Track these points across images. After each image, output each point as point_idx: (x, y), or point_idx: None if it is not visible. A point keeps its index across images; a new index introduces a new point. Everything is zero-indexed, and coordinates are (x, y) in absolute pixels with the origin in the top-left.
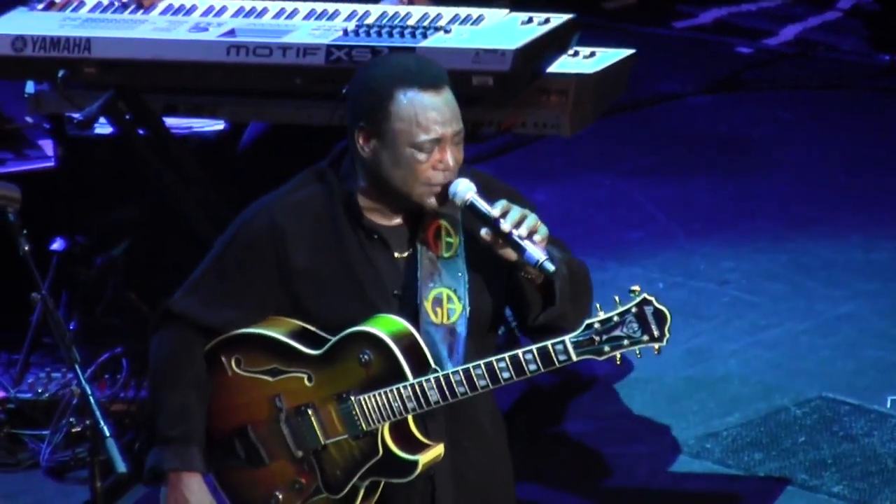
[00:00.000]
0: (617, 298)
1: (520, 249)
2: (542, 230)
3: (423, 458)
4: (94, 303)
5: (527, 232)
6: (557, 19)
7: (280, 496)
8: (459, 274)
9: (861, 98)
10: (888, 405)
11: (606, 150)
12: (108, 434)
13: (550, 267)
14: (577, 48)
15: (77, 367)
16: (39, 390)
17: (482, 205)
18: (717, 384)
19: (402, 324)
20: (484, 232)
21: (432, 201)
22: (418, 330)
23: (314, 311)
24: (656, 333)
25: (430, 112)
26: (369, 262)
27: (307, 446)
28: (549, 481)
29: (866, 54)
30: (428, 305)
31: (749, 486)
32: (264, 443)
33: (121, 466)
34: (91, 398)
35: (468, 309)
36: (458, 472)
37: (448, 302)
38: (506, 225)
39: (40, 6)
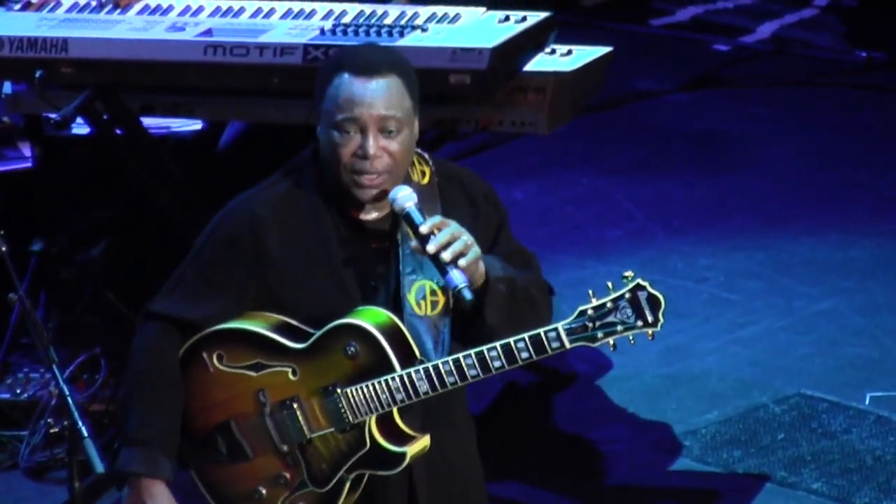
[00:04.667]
0: (610, 284)
1: (442, 271)
2: (471, 254)
3: (411, 450)
4: (72, 303)
5: (450, 257)
6: (534, 17)
7: (263, 491)
8: None
9: (838, 95)
10: (867, 402)
11: (584, 147)
12: (86, 434)
13: (468, 295)
14: (555, 46)
15: (55, 367)
16: (18, 391)
17: (416, 217)
18: (695, 382)
19: (387, 315)
20: (413, 244)
21: (361, 193)
22: (402, 322)
23: (293, 303)
24: (650, 318)
25: (352, 94)
26: (348, 252)
27: (292, 440)
28: (527, 479)
29: (843, 51)
30: (411, 297)
31: (728, 483)
32: (248, 438)
33: (99, 467)
34: (69, 399)
35: (451, 301)
36: (433, 461)
37: (431, 294)
38: (431, 246)
39: (17, 6)
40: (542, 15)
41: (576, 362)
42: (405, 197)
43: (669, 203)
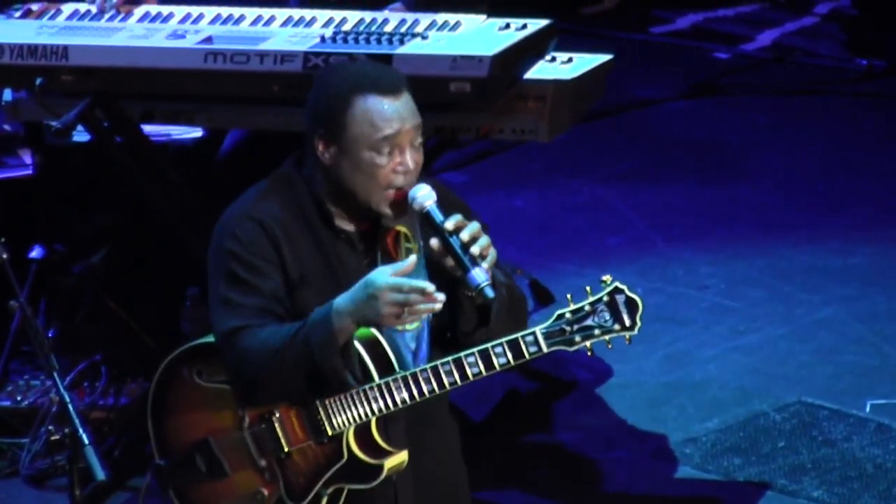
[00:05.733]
0: (588, 288)
1: (464, 268)
2: (492, 254)
3: (388, 463)
4: (72, 310)
5: (478, 252)
6: (535, 25)
7: None
8: (421, 278)
9: (838, 103)
10: (867, 410)
11: (584, 155)
12: (87, 442)
13: (490, 293)
14: (555, 54)
15: (56, 374)
16: (18, 398)
17: (438, 215)
18: (696, 389)
19: (365, 328)
20: (434, 242)
21: (389, 208)
22: (381, 335)
23: (293, 312)
24: (628, 322)
25: (386, 113)
26: (342, 266)
27: (271, 454)
28: (528, 488)
29: (844, 59)
30: None
31: (728, 491)
32: (226, 453)
33: (100, 474)
34: (70, 406)
35: (430, 314)
36: (419, 474)
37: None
38: (465, 234)
39: (17, 14)
40: (543, 23)
41: (576, 370)
42: (425, 196)
43: (670, 211)
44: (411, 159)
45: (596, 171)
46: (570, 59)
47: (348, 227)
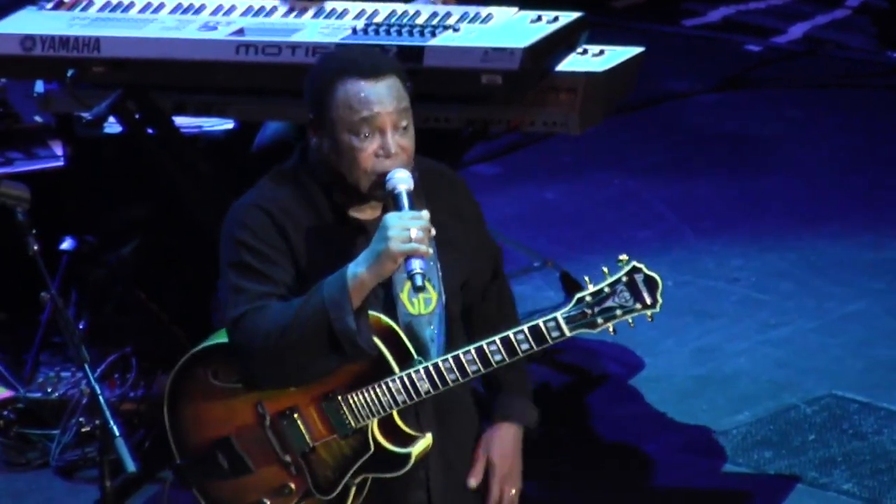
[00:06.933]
0: (605, 269)
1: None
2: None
3: (416, 450)
4: (103, 302)
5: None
6: (566, 18)
7: (268, 502)
8: (431, 263)
9: (870, 96)
10: None
11: (615, 148)
12: (117, 433)
13: (419, 281)
14: (586, 46)
15: (86, 366)
16: (49, 390)
17: (404, 201)
18: (726, 383)
19: (380, 317)
20: None
21: (380, 193)
22: (396, 322)
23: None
24: (649, 300)
25: (364, 95)
26: (350, 255)
27: (295, 450)
28: (558, 480)
29: (875, 52)
30: (404, 297)
31: (759, 484)
32: (249, 451)
33: (130, 466)
34: (100, 397)
35: (444, 297)
36: (446, 454)
37: (423, 291)
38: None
39: (49, 5)
40: (574, 15)
41: (607, 363)
42: (400, 179)
43: (700, 204)
44: (393, 143)
45: (627, 163)
46: (601, 52)
47: (360, 215)
